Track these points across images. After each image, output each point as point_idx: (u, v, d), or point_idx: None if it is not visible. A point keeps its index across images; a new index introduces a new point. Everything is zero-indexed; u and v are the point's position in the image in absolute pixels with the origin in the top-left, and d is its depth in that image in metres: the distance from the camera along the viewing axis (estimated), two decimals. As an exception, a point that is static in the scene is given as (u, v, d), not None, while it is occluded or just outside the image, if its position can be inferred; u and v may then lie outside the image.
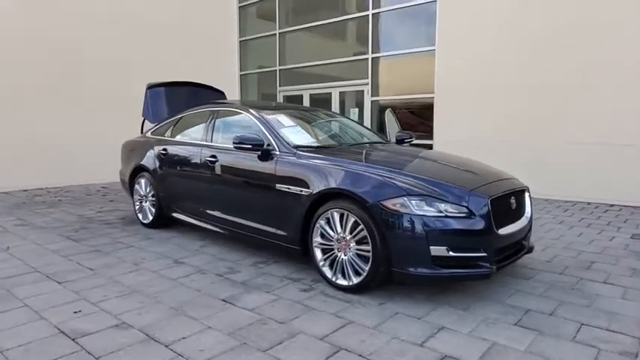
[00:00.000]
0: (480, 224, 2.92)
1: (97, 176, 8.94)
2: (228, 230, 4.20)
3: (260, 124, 4.02)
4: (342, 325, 2.71)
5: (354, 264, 3.13)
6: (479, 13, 7.77)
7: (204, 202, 4.43)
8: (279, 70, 11.17)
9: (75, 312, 2.88)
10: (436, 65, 8.38)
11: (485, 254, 2.93)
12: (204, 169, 4.36)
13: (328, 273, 3.30)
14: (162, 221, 5.11)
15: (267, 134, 3.89)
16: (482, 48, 7.76)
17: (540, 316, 2.84)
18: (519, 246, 3.38)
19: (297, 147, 3.75)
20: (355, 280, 3.13)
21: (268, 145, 3.79)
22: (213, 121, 4.56)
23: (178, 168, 4.75)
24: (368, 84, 9.51)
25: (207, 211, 4.38)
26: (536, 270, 3.72)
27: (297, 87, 10.82)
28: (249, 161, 3.90)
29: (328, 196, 3.29)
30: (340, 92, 10.08)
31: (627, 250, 4.34)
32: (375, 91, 9.48)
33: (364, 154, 3.95)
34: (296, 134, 3.99)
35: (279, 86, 11.19)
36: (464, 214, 2.91)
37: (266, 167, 3.73)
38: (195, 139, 4.67)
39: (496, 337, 2.55)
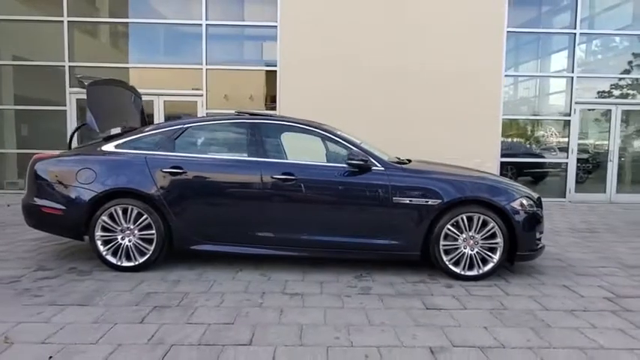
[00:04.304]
0: (542, 212, 4.27)
1: None
2: (309, 251, 3.98)
3: (344, 142, 4.11)
4: (551, 307, 3.46)
5: (484, 255, 3.91)
6: (322, 46, 8.96)
7: (269, 225, 3.95)
8: (70, 67, 9.07)
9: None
10: (278, 84, 9.08)
11: (542, 234, 4.32)
12: (271, 188, 3.91)
13: (456, 269, 3.92)
14: (160, 259, 4.05)
15: (359, 151, 4.02)
16: (326, 76, 8.97)
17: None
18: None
19: (399, 162, 4.11)
20: (485, 268, 3.91)
21: (367, 161, 3.96)
22: (259, 136, 4.09)
23: (217, 189, 3.96)
24: (202, 95, 9.18)
25: (274, 236, 3.95)
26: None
27: (103, 90, 9.08)
28: (349, 178, 3.92)
29: (454, 204, 3.91)
30: (165, 101, 9.22)
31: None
32: (210, 102, 9.24)
33: (436, 166, 4.49)
34: (372, 149, 4.26)
35: (70, 87, 9.07)
36: (538, 207, 4.20)
37: (377, 182, 3.90)
38: (239, 155, 4.06)
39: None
